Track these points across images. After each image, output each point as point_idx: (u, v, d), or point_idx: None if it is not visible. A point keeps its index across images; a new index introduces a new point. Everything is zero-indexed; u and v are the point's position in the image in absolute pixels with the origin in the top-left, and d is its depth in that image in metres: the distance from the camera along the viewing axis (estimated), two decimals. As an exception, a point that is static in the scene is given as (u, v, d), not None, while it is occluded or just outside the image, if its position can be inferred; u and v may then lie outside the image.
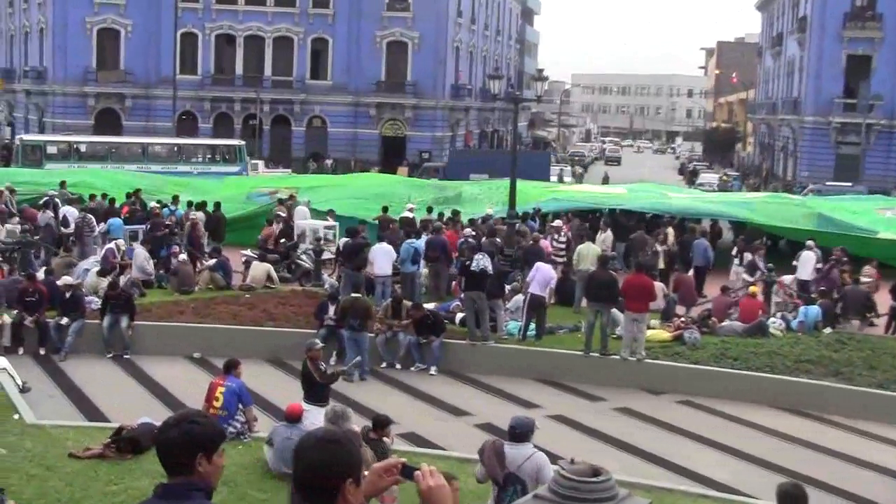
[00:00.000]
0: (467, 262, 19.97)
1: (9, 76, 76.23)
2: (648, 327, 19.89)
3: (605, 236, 28.19)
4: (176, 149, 52.97)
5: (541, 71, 31.98)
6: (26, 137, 53.89)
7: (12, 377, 16.47)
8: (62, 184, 32.97)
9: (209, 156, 52.35)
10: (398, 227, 27.18)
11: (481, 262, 19.49)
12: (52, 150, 49.70)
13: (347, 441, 3.62)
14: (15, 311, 19.65)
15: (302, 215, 29.46)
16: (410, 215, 28.86)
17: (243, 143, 55.50)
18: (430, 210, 30.70)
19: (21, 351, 19.28)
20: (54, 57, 68.93)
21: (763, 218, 31.69)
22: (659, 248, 27.52)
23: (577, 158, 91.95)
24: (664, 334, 20.59)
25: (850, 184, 58.01)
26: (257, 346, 19.81)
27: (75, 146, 51.15)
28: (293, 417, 12.69)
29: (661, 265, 26.58)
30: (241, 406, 14.03)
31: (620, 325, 20.11)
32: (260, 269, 24.52)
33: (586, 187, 43.34)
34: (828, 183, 57.31)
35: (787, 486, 8.27)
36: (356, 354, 18.66)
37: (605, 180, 61.65)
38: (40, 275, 21.68)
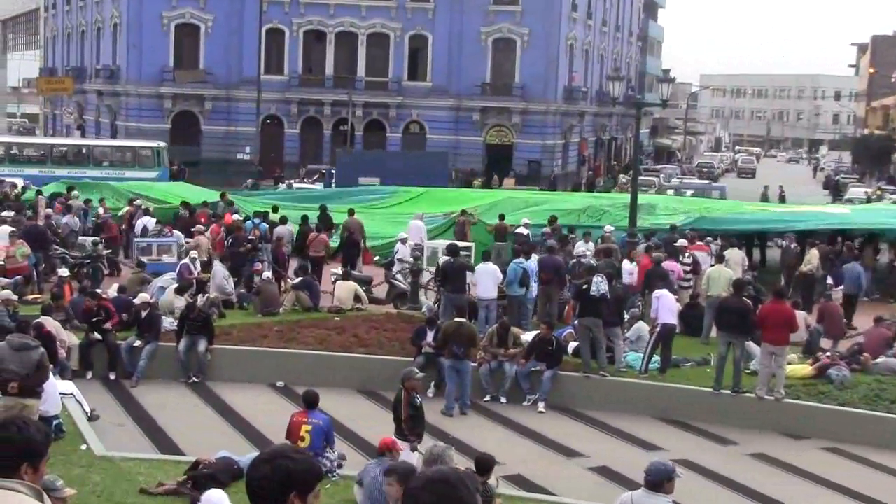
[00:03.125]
0: (584, 286, 19.89)
1: (79, 75, 78.56)
2: (788, 362, 19.51)
3: (732, 253, 27.62)
4: (84, 151, 53.42)
5: (666, 71, 31.87)
6: None
7: (80, 404, 16.91)
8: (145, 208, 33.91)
9: (123, 159, 52.85)
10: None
11: (601, 285, 19.40)
12: None
13: (461, 483, 3.62)
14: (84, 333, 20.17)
15: (417, 231, 29.68)
16: (524, 231, 28.94)
17: (163, 144, 55.83)
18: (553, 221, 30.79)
19: (90, 375, 19.79)
20: (128, 55, 70.76)
21: None
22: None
23: (704, 170, 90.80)
24: (806, 369, 20.19)
25: (708, 181, 58.78)
26: (347, 374, 20.03)
27: None
28: (382, 451, 12.71)
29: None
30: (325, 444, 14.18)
31: (756, 359, 19.79)
32: (345, 288, 24.73)
33: (797, 208, 41.33)
34: (685, 180, 58.57)
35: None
36: (457, 386, 18.74)
37: (773, 197, 59.98)
38: (111, 291, 22.26)
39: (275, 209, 32.84)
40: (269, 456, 3.97)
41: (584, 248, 27.07)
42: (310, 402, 14.32)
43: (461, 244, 26.81)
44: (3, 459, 4.59)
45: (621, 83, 32.78)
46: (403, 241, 27.63)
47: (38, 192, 35.61)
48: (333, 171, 54.55)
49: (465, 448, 16.23)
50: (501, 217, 31.45)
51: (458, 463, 12.46)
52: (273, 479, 3.88)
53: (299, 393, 18.77)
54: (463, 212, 32.94)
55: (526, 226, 29.82)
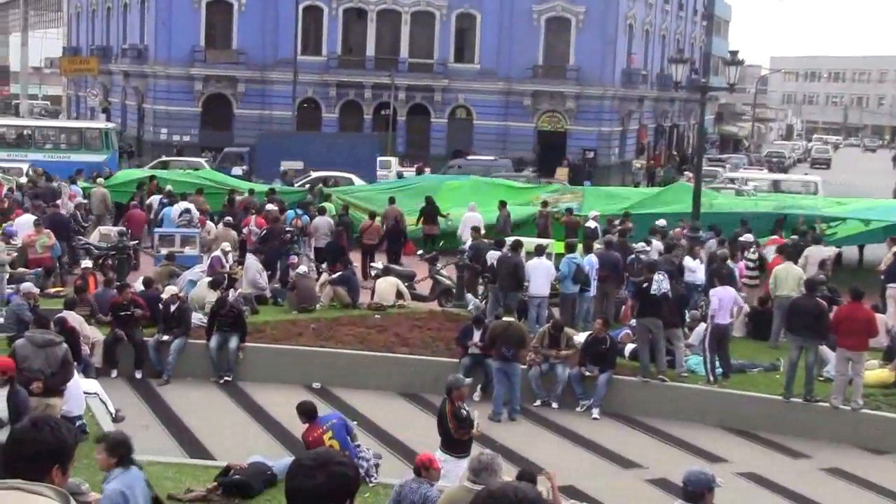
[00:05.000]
0: (644, 284, 19.82)
1: (105, 55, 79.20)
2: (867, 369, 19.30)
3: (813, 251, 27.28)
4: (26, 133, 53.25)
5: (734, 53, 31.36)
6: None
7: (104, 404, 17.05)
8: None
9: (69, 141, 52.58)
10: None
11: (662, 283, 19.31)
12: None
13: (540, 500, 3.62)
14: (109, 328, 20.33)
15: (474, 223, 29.68)
16: (593, 225, 28.95)
17: (112, 126, 55.45)
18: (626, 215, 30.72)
19: (115, 373, 19.98)
20: (157, 34, 71.18)
21: None
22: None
23: (774, 160, 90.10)
24: (884, 374, 19.97)
25: (492, 158, 58.51)
26: (388, 376, 20.11)
27: None
28: (417, 469, 12.47)
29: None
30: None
31: (830, 365, 19.62)
32: (387, 283, 24.80)
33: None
34: (469, 157, 59.51)
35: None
36: (505, 389, 18.73)
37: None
38: (137, 285, 22.43)
39: (327, 198, 33.14)
40: (319, 462, 3.94)
41: (643, 244, 26.98)
42: (310, 414, 14.19)
43: (541, 241, 26.74)
44: (35, 462, 4.63)
45: (684, 66, 32.44)
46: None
47: (41, 176, 35.98)
48: (249, 155, 54.14)
49: (513, 456, 16.24)
50: (570, 211, 31.47)
51: (507, 472, 12.44)
52: (330, 486, 3.86)
53: (337, 395, 18.98)
54: (545, 203, 32.87)
55: (595, 219, 29.79)
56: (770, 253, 26.97)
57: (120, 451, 9.87)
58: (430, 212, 32.92)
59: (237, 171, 50.10)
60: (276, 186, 38.00)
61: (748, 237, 28.12)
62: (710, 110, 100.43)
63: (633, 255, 25.26)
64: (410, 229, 32.07)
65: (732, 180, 52.95)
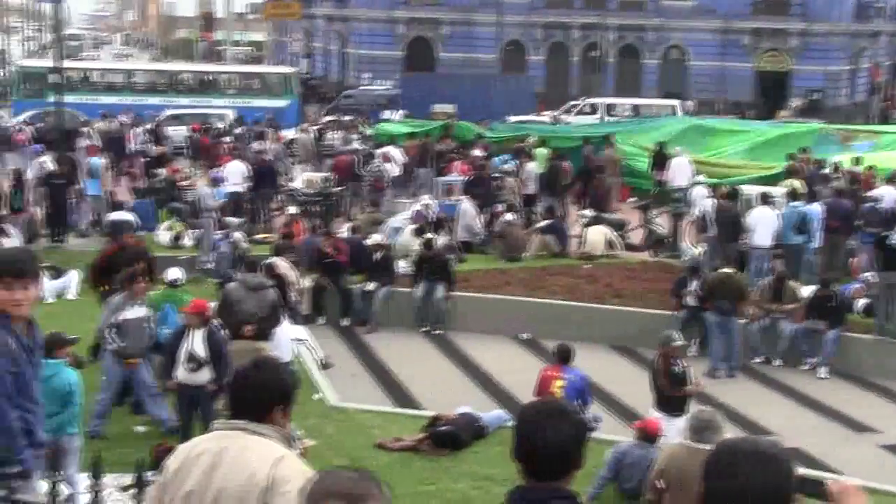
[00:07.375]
0: (882, 234, 19.22)
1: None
2: None
3: None
4: (209, 78, 54.08)
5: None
6: (26, 63, 57.29)
7: (312, 351, 17.53)
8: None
9: (250, 87, 53.19)
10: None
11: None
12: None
13: (788, 459, 3.62)
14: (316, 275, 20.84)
15: (681, 170, 29.23)
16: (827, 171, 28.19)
17: (292, 70, 55.94)
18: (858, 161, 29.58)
19: (321, 321, 20.49)
20: (398, -22, 72.13)
21: None
22: None
23: None
24: None
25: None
26: (599, 328, 20.03)
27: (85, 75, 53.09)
28: (648, 436, 12.41)
29: None
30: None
31: None
32: (597, 232, 24.71)
33: None
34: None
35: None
36: (724, 345, 18.47)
37: None
38: (344, 232, 22.90)
39: (542, 143, 33.06)
40: (559, 412, 4.03)
41: (881, 192, 26.03)
42: (563, 357, 14.26)
43: (767, 188, 26.06)
44: (256, 401, 4.80)
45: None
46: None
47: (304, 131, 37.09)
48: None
49: (732, 415, 15.99)
50: (793, 156, 30.35)
51: (728, 431, 12.25)
52: (576, 437, 3.97)
53: (545, 346, 19.00)
54: (804, 150, 31.57)
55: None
56: None
57: None
58: (661, 156, 32.20)
59: (387, 114, 50.25)
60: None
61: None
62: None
63: (869, 204, 24.43)
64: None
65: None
